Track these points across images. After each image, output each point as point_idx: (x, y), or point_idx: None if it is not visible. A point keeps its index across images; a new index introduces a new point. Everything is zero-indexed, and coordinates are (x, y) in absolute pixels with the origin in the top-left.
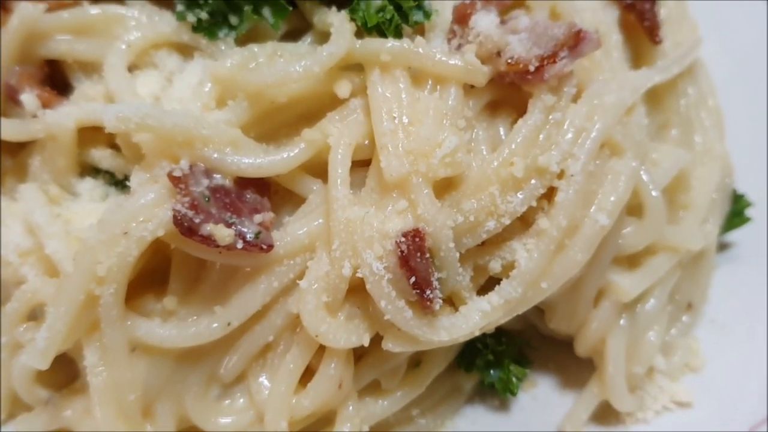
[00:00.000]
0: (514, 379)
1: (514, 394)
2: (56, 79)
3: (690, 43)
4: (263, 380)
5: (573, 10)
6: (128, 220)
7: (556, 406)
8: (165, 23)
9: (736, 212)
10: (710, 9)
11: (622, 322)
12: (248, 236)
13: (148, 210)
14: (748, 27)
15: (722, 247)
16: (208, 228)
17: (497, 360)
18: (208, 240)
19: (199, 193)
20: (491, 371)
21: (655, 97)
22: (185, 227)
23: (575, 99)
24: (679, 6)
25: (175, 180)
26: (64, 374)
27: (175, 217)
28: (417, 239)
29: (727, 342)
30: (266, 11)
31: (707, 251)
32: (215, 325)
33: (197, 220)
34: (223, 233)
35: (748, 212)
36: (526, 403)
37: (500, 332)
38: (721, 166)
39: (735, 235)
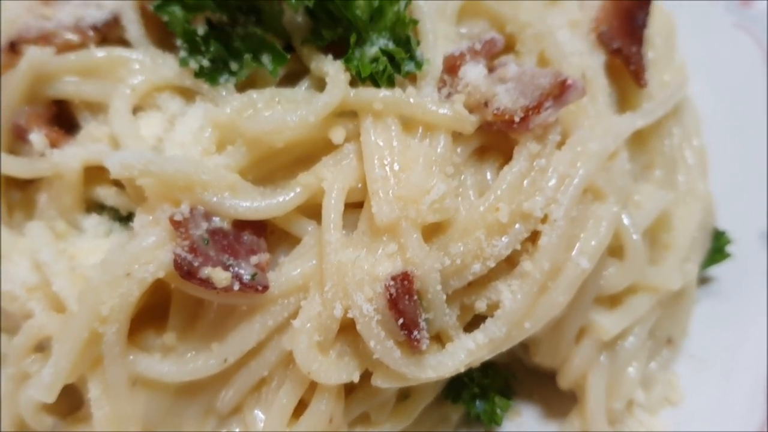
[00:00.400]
0: (498, 411)
1: (498, 424)
2: (64, 117)
3: (675, 85)
4: (258, 413)
5: (561, 55)
6: (131, 262)
7: None
8: (168, 68)
9: (717, 249)
10: (699, 44)
11: (602, 358)
12: (245, 278)
13: (150, 252)
14: (736, 63)
15: (703, 281)
16: (207, 271)
17: (483, 392)
18: (207, 283)
19: (198, 236)
20: (477, 403)
21: (640, 138)
22: (185, 271)
23: (560, 144)
24: (666, 46)
25: (175, 224)
26: (69, 401)
27: (175, 261)
28: (406, 282)
29: (706, 376)
30: (265, 58)
31: (688, 288)
32: (212, 361)
33: (196, 264)
34: (220, 276)
35: (730, 248)
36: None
37: (486, 365)
38: (703, 206)
39: (716, 270)
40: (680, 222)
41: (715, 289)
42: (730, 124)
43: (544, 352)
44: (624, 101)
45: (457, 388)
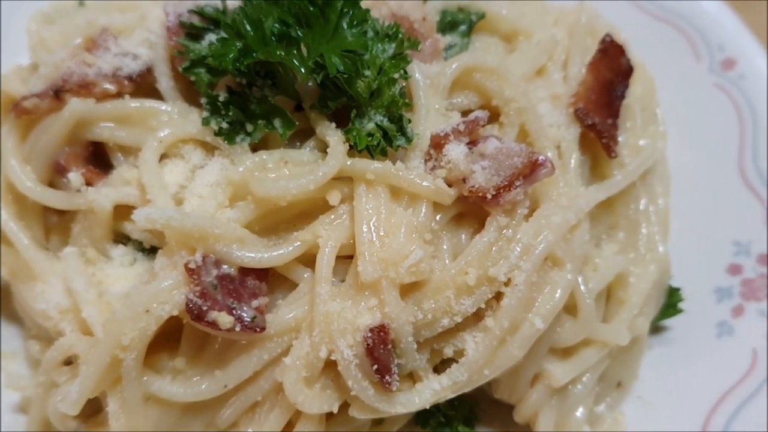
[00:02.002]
0: None
1: None
2: (99, 155)
3: (647, 152)
4: (251, 431)
5: (539, 128)
6: (150, 301)
7: None
8: (192, 123)
9: (671, 304)
10: (679, 101)
11: (553, 401)
12: (245, 320)
13: (167, 294)
14: (712, 122)
15: (658, 330)
16: (213, 315)
17: (447, 421)
18: (213, 324)
19: (208, 283)
20: (442, 430)
21: (607, 202)
22: (195, 314)
23: (529, 214)
24: (645, 112)
25: (190, 271)
26: (90, 407)
27: (187, 305)
28: (382, 334)
29: (650, 417)
30: (277, 122)
31: (639, 339)
32: (214, 386)
33: (205, 308)
34: (225, 320)
35: (683, 303)
36: None
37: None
38: (659, 266)
39: (671, 321)
40: (636, 280)
41: (668, 337)
42: (700, 182)
43: (503, 391)
44: (596, 168)
45: (425, 416)
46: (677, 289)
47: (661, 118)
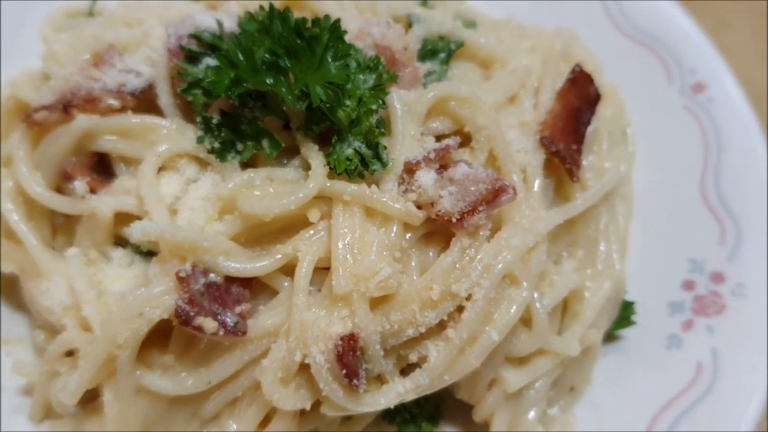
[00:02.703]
0: None
1: None
2: (103, 164)
3: (611, 175)
4: (231, 422)
5: (507, 154)
6: (143, 305)
7: None
8: (188, 140)
9: (625, 317)
10: (649, 122)
11: (508, 404)
12: (229, 325)
13: (158, 299)
14: (678, 144)
15: (612, 339)
16: (199, 321)
17: (412, 419)
18: (199, 329)
19: (196, 290)
20: (407, 426)
21: (569, 222)
22: (182, 319)
23: (492, 235)
24: (612, 135)
25: (180, 279)
26: (88, 395)
27: (176, 310)
28: (351, 342)
29: (600, 420)
30: (265, 143)
31: (592, 348)
32: (199, 382)
33: (192, 314)
34: (209, 325)
35: (637, 316)
36: None
37: None
38: (614, 282)
39: (625, 331)
40: (591, 295)
41: (621, 346)
42: (663, 201)
43: (463, 393)
44: (560, 190)
45: (392, 413)
46: (631, 303)
47: (631, 139)
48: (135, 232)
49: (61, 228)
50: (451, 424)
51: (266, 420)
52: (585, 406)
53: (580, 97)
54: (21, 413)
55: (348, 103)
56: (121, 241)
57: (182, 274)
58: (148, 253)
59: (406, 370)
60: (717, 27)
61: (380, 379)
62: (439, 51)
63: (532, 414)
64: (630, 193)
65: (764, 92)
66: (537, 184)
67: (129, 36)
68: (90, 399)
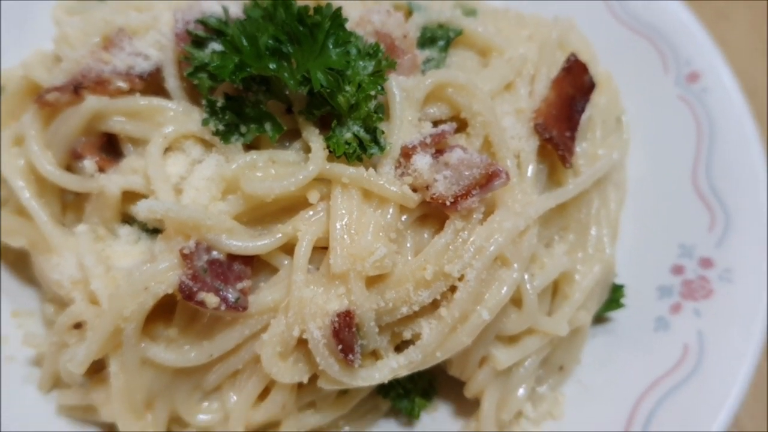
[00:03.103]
0: (416, 408)
1: (417, 418)
2: (111, 144)
3: (603, 162)
4: (232, 394)
5: (501, 140)
6: (149, 280)
7: (449, 428)
8: (194, 122)
9: (614, 299)
10: (644, 111)
11: (497, 380)
12: (230, 300)
13: (163, 274)
14: (672, 134)
15: (602, 321)
16: (202, 296)
17: (405, 393)
18: (202, 303)
19: (200, 267)
20: (401, 400)
21: (561, 206)
22: (186, 294)
23: (484, 218)
24: (606, 123)
25: (184, 256)
26: (94, 366)
27: (180, 286)
28: (347, 318)
29: (587, 399)
30: (267, 126)
31: (581, 329)
32: (202, 354)
33: (195, 289)
34: (211, 300)
35: (626, 299)
36: (427, 423)
37: None
38: (604, 266)
39: (614, 313)
40: (581, 278)
41: (610, 328)
42: (655, 188)
43: (455, 369)
44: (554, 175)
45: (386, 388)
46: (621, 286)
47: (625, 127)
48: (142, 210)
49: (70, 206)
50: (444, 399)
51: (265, 392)
52: (573, 385)
53: (575, 86)
54: (31, 383)
55: (348, 88)
56: (128, 219)
57: (186, 251)
58: (153, 231)
59: (400, 347)
60: (715, 19)
61: (375, 355)
62: (438, 39)
63: (521, 391)
64: (623, 179)
65: (763, 84)
66: (530, 170)
67: (138, 20)
68: (96, 370)
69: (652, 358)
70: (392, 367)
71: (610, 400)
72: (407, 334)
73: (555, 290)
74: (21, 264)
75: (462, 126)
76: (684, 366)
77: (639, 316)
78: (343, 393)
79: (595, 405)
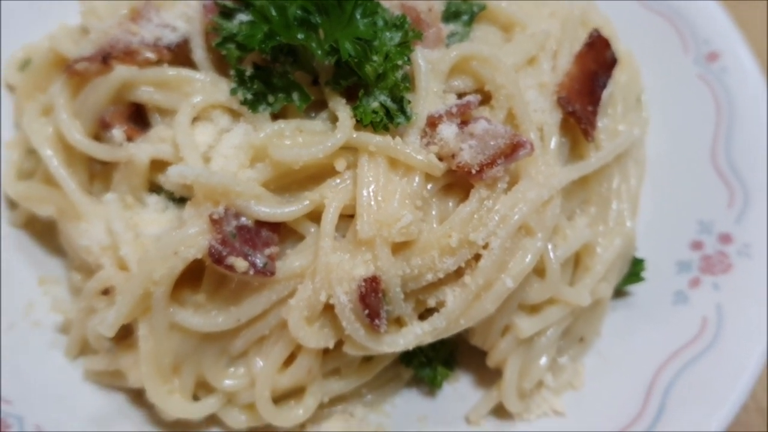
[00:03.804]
0: (439, 377)
1: (439, 387)
2: (139, 114)
3: (624, 137)
4: (258, 359)
5: (524, 113)
6: (178, 244)
7: (470, 398)
8: (222, 92)
9: (634, 273)
10: (663, 90)
11: (519, 350)
12: (258, 265)
13: (193, 239)
14: (692, 112)
15: (622, 294)
16: (231, 260)
17: (428, 361)
18: (230, 267)
19: (228, 232)
20: (423, 369)
21: (583, 179)
22: (215, 258)
23: (509, 187)
24: (626, 99)
25: (213, 221)
26: (122, 331)
27: (210, 249)
28: (374, 284)
29: (607, 370)
30: (295, 95)
31: (601, 301)
32: (229, 320)
33: (224, 253)
34: (240, 264)
35: (645, 273)
36: (448, 393)
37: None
38: (625, 240)
39: (633, 287)
40: (602, 250)
41: (629, 301)
42: (675, 166)
43: (478, 338)
44: (576, 149)
45: (409, 356)
46: (641, 260)
47: (644, 105)
48: (172, 175)
49: (97, 175)
50: (465, 370)
51: (291, 359)
52: (593, 356)
53: (597, 61)
54: (57, 348)
55: (375, 58)
56: (156, 188)
57: (215, 216)
58: (181, 200)
59: (423, 315)
60: (733, 4)
61: (399, 323)
62: (462, 13)
63: (543, 361)
64: (642, 156)
65: None
66: (553, 142)
67: None
68: (124, 336)
69: (671, 331)
70: (416, 333)
71: (630, 372)
72: (431, 302)
73: (576, 262)
74: (47, 234)
75: (486, 99)
76: (702, 338)
77: (658, 289)
78: (367, 360)
79: (615, 376)
